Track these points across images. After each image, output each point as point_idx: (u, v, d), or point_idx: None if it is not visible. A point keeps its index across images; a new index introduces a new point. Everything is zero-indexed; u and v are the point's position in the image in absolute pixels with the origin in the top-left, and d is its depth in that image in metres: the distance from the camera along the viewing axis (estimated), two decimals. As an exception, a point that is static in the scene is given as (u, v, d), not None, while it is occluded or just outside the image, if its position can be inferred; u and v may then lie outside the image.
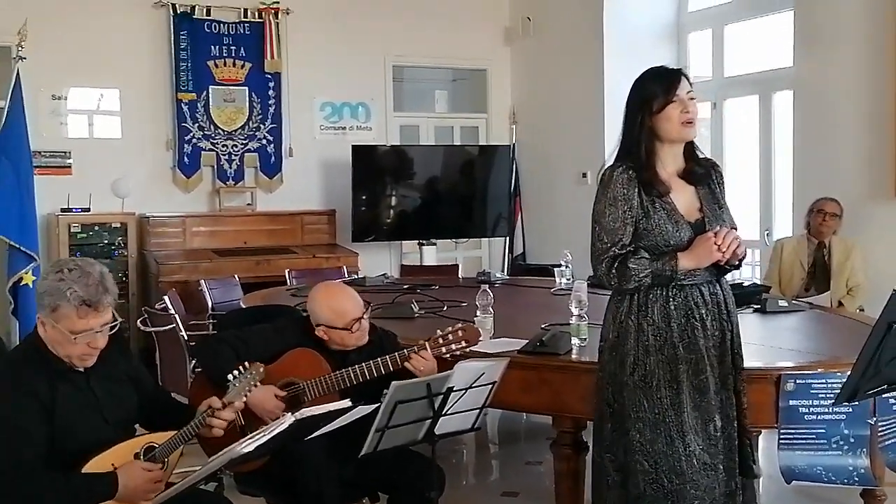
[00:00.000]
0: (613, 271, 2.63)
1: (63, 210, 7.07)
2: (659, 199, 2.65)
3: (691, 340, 2.62)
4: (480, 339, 3.24)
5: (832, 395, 2.87)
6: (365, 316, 3.19)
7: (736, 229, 2.72)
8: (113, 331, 2.54)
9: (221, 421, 2.62)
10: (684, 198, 2.69)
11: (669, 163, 2.72)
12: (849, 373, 2.35)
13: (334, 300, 3.18)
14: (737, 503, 2.66)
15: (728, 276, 2.82)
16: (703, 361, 2.61)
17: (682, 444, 2.60)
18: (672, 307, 2.63)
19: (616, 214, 2.64)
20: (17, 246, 6.22)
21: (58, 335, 2.46)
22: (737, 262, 2.69)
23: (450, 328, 3.15)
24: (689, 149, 2.75)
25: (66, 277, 2.43)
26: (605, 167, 2.73)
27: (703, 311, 2.64)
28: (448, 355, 3.10)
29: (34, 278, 6.28)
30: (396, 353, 3.08)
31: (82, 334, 2.44)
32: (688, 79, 2.69)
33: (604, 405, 2.71)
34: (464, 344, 3.12)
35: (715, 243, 2.58)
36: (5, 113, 6.32)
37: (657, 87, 2.66)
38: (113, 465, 2.46)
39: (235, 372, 2.75)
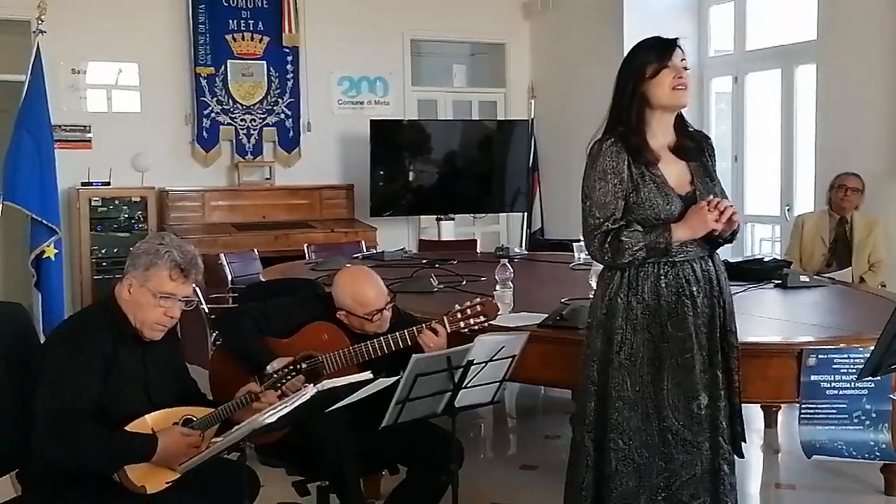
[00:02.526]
0: (606, 246, 2.60)
1: (83, 184, 7.13)
2: (648, 171, 2.61)
3: (680, 318, 2.58)
4: (499, 313, 3.23)
5: (854, 371, 2.86)
6: (387, 307, 3.19)
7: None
8: (190, 307, 2.68)
9: (262, 405, 2.67)
10: (675, 171, 2.65)
11: (660, 133, 2.67)
12: (871, 348, 2.34)
13: (358, 288, 3.17)
14: (722, 482, 2.62)
15: (748, 252, 2.80)
16: (690, 340, 2.58)
17: (657, 419, 2.59)
18: (663, 284, 2.60)
19: (606, 188, 2.61)
20: (39, 219, 6.26)
21: (142, 297, 2.58)
22: (729, 235, 2.65)
23: (468, 302, 3.14)
24: (680, 123, 2.72)
25: (165, 243, 2.63)
26: (594, 141, 2.69)
27: (695, 289, 2.61)
28: (466, 330, 3.10)
29: (56, 251, 6.35)
30: (414, 328, 3.09)
31: (166, 298, 2.57)
32: (682, 49, 2.66)
33: (588, 383, 2.69)
34: (482, 318, 3.11)
35: (709, 210, 2.53)
36: (26, 87, 6.34)
37: (651, 55, 2.63)
38: (153, 429, 2.53)
39: (275, 364, 2.91)
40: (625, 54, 2.74)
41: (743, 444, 2.73)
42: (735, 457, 2.69)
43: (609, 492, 2.64)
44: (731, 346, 2.66)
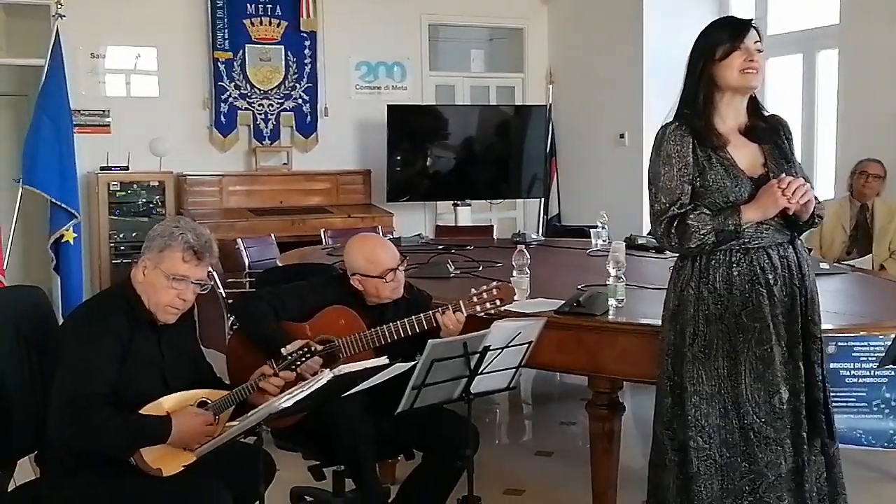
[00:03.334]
0: (673, 231, 2.50)
1: (102, 168, 7.16)
2: (715, 154, 2.52)
3: (755, 308, 2.47)
4: (515, 297, 3.23)
5: (874, 359, 2.83)
6: (400, 267, 3.20)
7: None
8: (204, 291, 2.69)
9: (273, 387, 2.70)
10: (746, 154, 2.56)
11: (729, 116, 2.58)
12: (892, 336, 2.32)
13: (369, 249, 3.20)
14: (806, 480, 2.50)
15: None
16: (767, 331, 2.47)
17: (736, 416, 2.49)
18: (735, 273, 2.49)
19: (672, 173, 2.52)
20: (59, 203, 6.29)
21: (155, 278, 2.59)
22: (809, 217, 2.52)
23: (484, 287, 3.14)
24: (753, 105, 2.63)
25: (180, 226, 2.65)
26: (661, 125, 2.60)
27: (771, 277, 2.49)
28: (483, 314, 3.10)
29: (75, 235, 6.37)
30: (431, 312, 3.09)
31: (179, 280, 2.59)
32: (758, 31, 2.57)
33: (664, 378, 2.60)
34: (498, 302, 3.11)
35: (779, 187, 2.41)
36: (45, 71, 6.36)
37: (723, 34, 2.54)
38: (168, 411, 2.55)
39: (290, 346, 2.88)
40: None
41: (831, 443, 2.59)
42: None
43: (692, 496, 2.53)
44: (812, 338, 2.54)
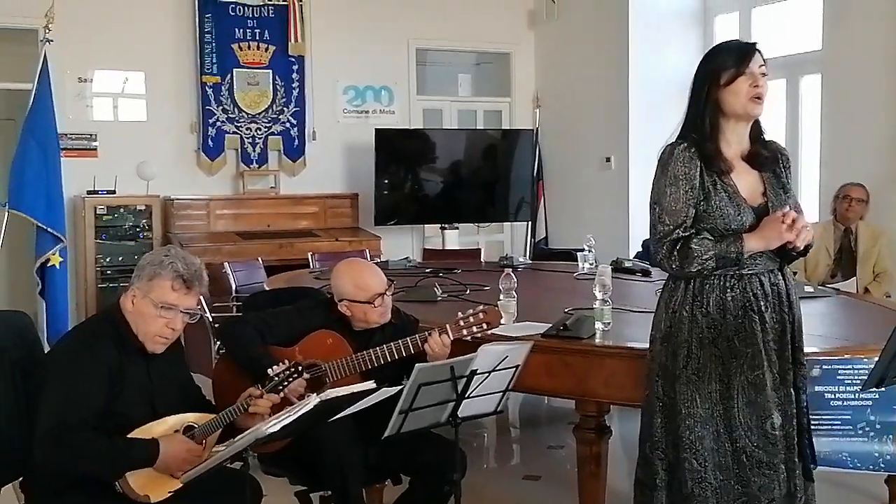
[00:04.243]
0: (675, 254, 2.50)
1: (89, 192, 7.14)
2: (720, 180, 2.52)
3: (748, 333, 2.49)
4: (502, 321, 3.24)
5: (858, 381, 2.84)
6: (388, 292, 3.20)
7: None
8: (193, 321, 2.69)
9: (262, 408, 2.69)
10: (747, 181, 2.57)
11: (734, 142, 2.58)
12: (876, 359, 2.33)
13: (357, 274, 3.20)
14: None
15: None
16: (759, 356, 2.49)
17: (728, 440, 2.51)
18: (729, 298, 2.51)
19: (678, 194, 2.51)
20: (45, 227, 6.27)
21: (144, 307, 2.59)
22: (803, 248, 2.54)
23: (471, 310, 3.15)
24: (756, 131, 2.64)
25: (170, 255, 2.66)
26: (666, 144, 2.58)
27: (763, 304, 2.51)
28: (469, 337, 3.10)
29: (61, 259, 6.36)
30: (417, 336, 3.09)
31: (168, 310, 2.58)
32: (762, 54, 2.58)
33: (654, 399, 2.61)
34: (485, 326, 3.11)
35: (783, 222, 2.45)
36: (33, 95, 6.37)
37: (729, 59, 2.54)
38: (154, 436, 2.54)
39: (276, 367, 2.86)
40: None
41: (812, 467, 2.62)
42: (809, 480, 2.59)
43: None
44: (799, 364, 2.57)
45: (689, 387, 2.53)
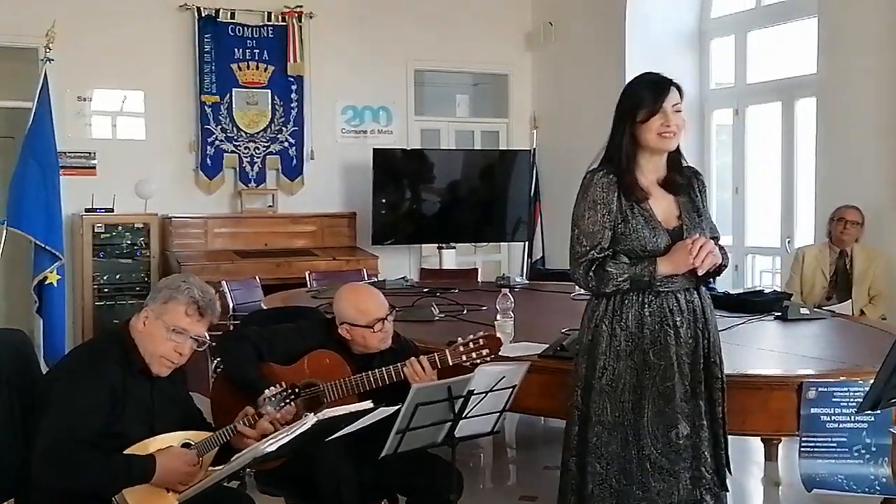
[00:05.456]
0: (591, 274, 2.66)
1: (87, 210, 7.15)
2: (637, 205, 2.68)
3: (662, 347, 2.64)
4: (502, 348, 3.24)
5: (854, 404, 2.85)
6: (389, 318, 3.21)
7: (718, 237, 2.78)
8: (201, 348, 2.71)
9: (265, 424, 2.70)
10: (663, 205, 2.72)
11: (650, 170, 2.74)
12: (872, 381, 2.34)
13: (359, 298, 3.21)
14: None
15: (749, 283, 2.82)
16: (671, 369, 2.63)
17: (636, 447, 2.64)
18: (646, 313, 2.65)
19: (595, 218, 2.67)
20: (43, 245, 6.28)
21: (155, 329, 2.62)
22: (714, 270, 2.70)
23: (471, 336, 3.15)
24: (673, 157, 2.77)
25: (188, 281, 2.71)
26: (587, 171, 2.77)
27: (679, 319, 2.66)
28: (468, 363, 3.09)
29: (59, 277, 6.37)
30: (400, 364, 3.09)
31: (178, 333, 2.61)
32: (679, 90, 2.71)
33: (573, 409, 2.75)
34: (485, 353, 3.11)
35: (690, 251, 2.60)
36: (32, 114, 6.39)
37: (645, 96, 2.68)
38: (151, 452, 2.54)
39: (274, 388, 2.89)
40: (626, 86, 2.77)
41: (729, 476, 2.73)
42: (723, 489, 2.70)
43: None
44: (713, 378, 2.70)
45: (602, 396, 2.68)
